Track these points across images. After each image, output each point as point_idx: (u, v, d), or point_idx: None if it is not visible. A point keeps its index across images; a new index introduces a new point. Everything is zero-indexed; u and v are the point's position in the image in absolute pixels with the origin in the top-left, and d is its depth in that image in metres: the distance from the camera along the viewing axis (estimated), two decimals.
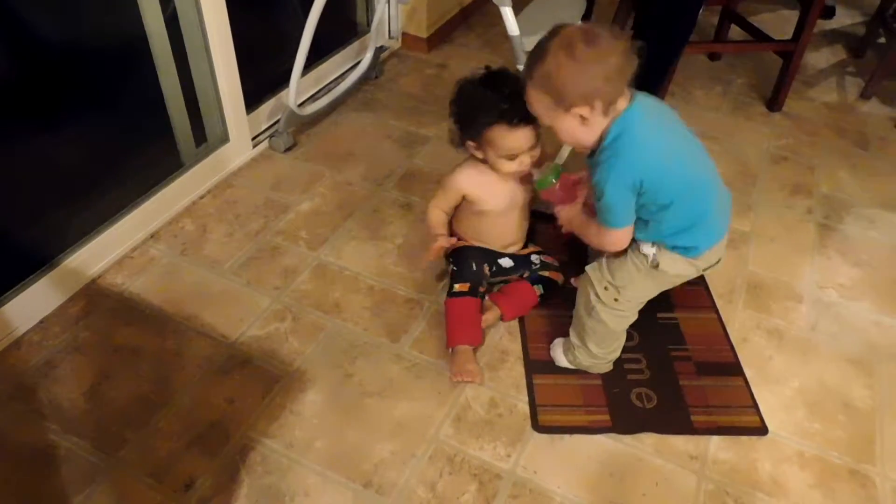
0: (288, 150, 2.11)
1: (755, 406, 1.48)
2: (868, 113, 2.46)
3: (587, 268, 1.39)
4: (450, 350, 1.52)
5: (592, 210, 1.30)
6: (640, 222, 1.26)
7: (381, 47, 2.51)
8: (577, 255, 1.78)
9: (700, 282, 1.73)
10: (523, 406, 1.46)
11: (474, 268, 1.56)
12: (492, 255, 1.62)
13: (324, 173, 2.04)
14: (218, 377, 1.49)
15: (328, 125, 2.24)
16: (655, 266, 1.29)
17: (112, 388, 1.46)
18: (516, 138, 1.41)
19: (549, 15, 1.73)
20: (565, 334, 1.56)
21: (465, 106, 1.45)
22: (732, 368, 1.55)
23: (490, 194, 1.54)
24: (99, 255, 1.70)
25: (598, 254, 1.38)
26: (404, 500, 1.30)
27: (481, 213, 1.57)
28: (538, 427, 1.41)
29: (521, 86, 1.40)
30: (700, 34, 2.71)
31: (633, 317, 1.41)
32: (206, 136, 1.98)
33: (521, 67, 1.64)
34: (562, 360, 1.52)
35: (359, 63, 2.41)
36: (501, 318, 1.61)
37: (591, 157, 1.23)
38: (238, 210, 1.90)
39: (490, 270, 1.61)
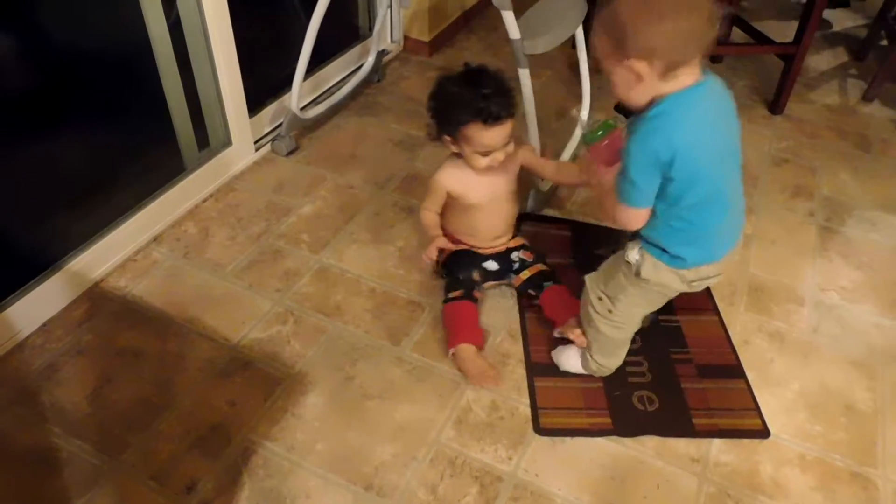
0: (290, 153, 2.11)
1: (757, 409, 1.48)
2: (870, 115, 2.46)
3: (586, 277, 1.38)
4: (451, 353, 1.52)
5: None
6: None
7: (383, 51, 2.52)
8: (582, 256, 1.79)
9: None
10: (524, 409, 1.46)
11: (461, 276, 1.60)
12: (477, 260, 1.63)
13: (326, 176, 2.04)
14: (219, 380, 1.49)
15: (330, 129, 2.24)
16: (637, 274, 1.25)
17: (114, 391, 1.46)
18: (490, 136, 1.44)
19: (551, 19, 1.73)
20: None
21: (442, 102, 1.47)
22: (734, 371, 1.55)
23: (471, 188, 1.56)
24: (102, 258, 1.71)
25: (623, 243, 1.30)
26: (405, 502, 1.30)
27: (467, 207, 1.59)
28: (539, 430, 1.42)
29: (499, 83, 1.42)
30: None
31: (633, 328, 1.39)
32: (208, 139, 1.98)
33: (522, 71, 1.65)
34: (569, 365, 1.50)
35: (361, 67, 2.41)
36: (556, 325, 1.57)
37: (630, 123, 1.14)
38: (240, 213, 1.90)
39: (480, 276, 1.63)
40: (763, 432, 1.44)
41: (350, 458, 1.37)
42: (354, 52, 2.49)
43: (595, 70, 2.52)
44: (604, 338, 1.39)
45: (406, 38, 2.62)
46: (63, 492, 1.30)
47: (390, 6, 2.45)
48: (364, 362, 1.54)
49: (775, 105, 2.40)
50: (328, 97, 2.28)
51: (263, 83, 2.15)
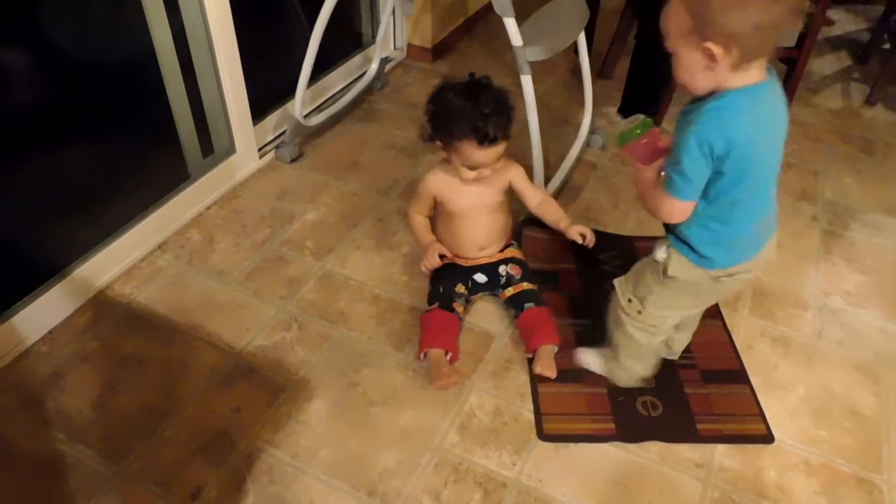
0: (294, 160, 2.12)
1: (761, 414, 1.47)
2: (873, 119, 2.45)
3: (615, 281, 1.37)
4: (421, 357, 1.52)
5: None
6: None
7: (386, 58, 2.53)
8: (584, 261, 1.79)
9: None
10: (528, 414, 1.46)
11: (442, 290, 1.60)
12: (466, 273, 1.64)
13: (329, 183, 2.05)
14: (224, 386, 1.50)
15: (334, 135, 2.25)
16: (664, 272, 1.24)
17: (119, 397, 1.47)
18: (482, 155, 1.45)
19: (552, 25, 1.74)
20: (569, 341, 1.58)
21: (441, 111, 1.47)
22: (738, 376, 1.55)
23: (456, 195, 1.57)
24: (107, 265, 1.72)
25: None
26: None
27: (450, 214, 1.60)
28: (543, 435, 1.42)
29: (500, 102, 1.42)
30: None
31: (664, 333, 1.38)
32: (213, 147, 2.00)
33: (524, 78, 1.66)
34: (594, 365, 1.50)
35: (364, 74, 2.43)
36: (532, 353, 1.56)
37: (686, 112, 1.09)
38: (244, 220, 1.91)
39: (466, 288, 1.63)
40: (767, 437, 1.43)
41: (354, 464, 1.37)
42: (357, 59, 2.50)
43: (597, 76, 2.54)
44: (634, 343, 1.38)
45: (409, 44, 2.64)
46: (68, 498, 1.30)
47: (393, 13, 2.47)
48: (368, 369, 1.54)
49: None
50: (331, 104, 2.30)
51: (267, 91, 2.16)
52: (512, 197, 1.65)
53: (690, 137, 1.04)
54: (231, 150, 1.99)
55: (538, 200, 1.66)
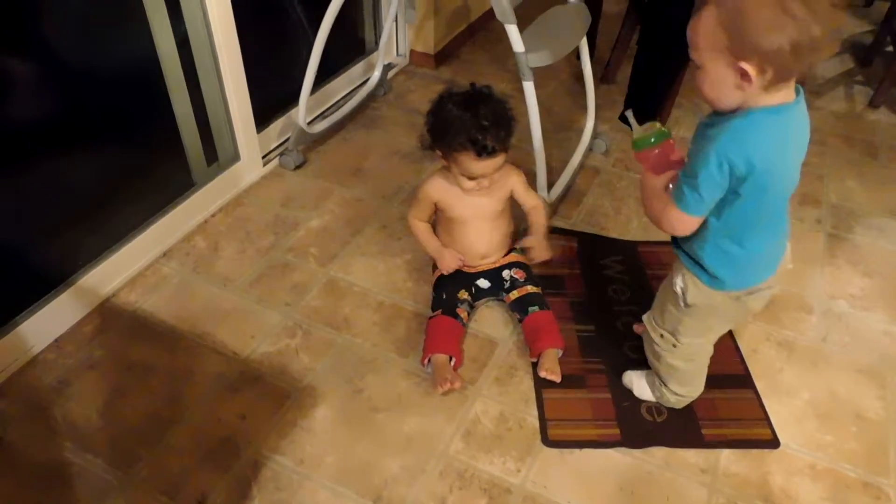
0: (298, 167, 2.13)
1: (766, 418, 1.47)
2: (876, 121, 2.45)
3: (644, 318, 1.37)
4: (425, 364, 1.52)
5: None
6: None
7: (389, 64, 2.54)
8: (589, 266, 1.79)
9: None
10: (532, 420, 1.46)
11: (445, 297, 1.61)
12: (469, 279, 1.65)
13: (333, 190, 2.06)
14: (229, 394, 1.50)
15: (337, 142, 2.26)
16: (685, 302, 1.23)
17: (125, 405, 1.47)
18: (480, 167, 1.45)
19: (554, 31, 1.75)
20: (572, 346, 1.57)
21: (440, 122, 1.47)
22: (743, 380, 1.55)
23: (456, 201, 1.58)
24: (112, 273, 1.73)
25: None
26: None
27: (451, 220, 1.61)
28: (548, 441, 1.42)
29: (499, 114, 1.41)
30: None
31: (706, 355, 1.37)
32: (217, 155, 2.00)
33: (526, 84, 1.66)
34: (646, 394, 1.48)
35: (367, 80, 2.44)
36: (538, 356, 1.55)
37: (707, 125, 1.06)
38: (249, 227, 1.92)
39: (470, 294, 1.63)
40: (773, 442, 1.43)
41: (359, 471, 1.37)
42: (360, 66, 2.51)
43: (600, 81, 2.54)
44: (678, 371, 1.37)
45: (412, 51, 2.65)
46: None
47: (395, 20, 2.47)
48: (372, 375, 1.54)
49: None
50: (335, 111, 2.31)
51: (271, 98, 2.17)
52: (514, 203, 1.66)
53: (711, 153, 1.01)
54: (235, 157, 2.00)
55: (531, 206, 1.65)
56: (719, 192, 1.05)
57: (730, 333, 1.64)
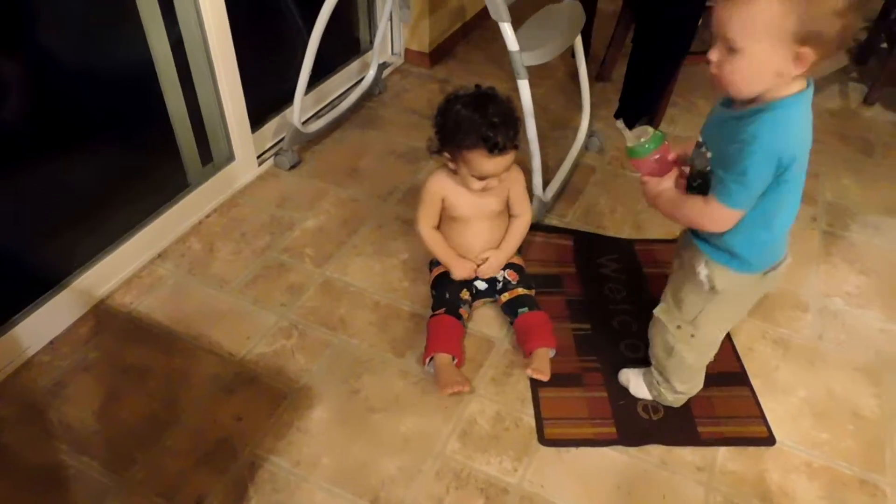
0: (293, 167, 2.13)
1: (762, 416, 1.47)
2: (872, 119, 2.46)
3: (656, 311, 1.35)
4: (426, 363, 1.52)
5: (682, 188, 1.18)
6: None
7: (384, 63, 2.53)
8: (584, 265, 1.79)
9: None
10: (529, 420, 1.46)
11: (447, 296, 1.61)
12: (468, 280, 1.64)
13: (328, 190, 2.05)
14: (225, 395, 1.50)
15: (332, 142, 2.26)
16: (712, 288, 1.21)
17: (121, 407, 1.47)
18: (492, 165, 1.45)
19: (549, 30, 1.74)
20: (568, 345, 1.57)
21: (450, 122, 1.47)
22: (738, 378, 1.55)
23: (461, 199, 1.57)
24: (107, 275, 1.72)
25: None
26: None
27: (452, 219, 1.61)
28: (544, 440, 1.42)
29: (507, 113, 1.42)
30: (702, 44, 2.71)
31: (716, 349, 1.36)
32: (212, 155, 2.00)
33: (521, 82, 1.66)
34: (642, 392, 1.48)
35: (362, 80, 2.43)
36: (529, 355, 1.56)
37: (738, 117, 1.04)
38: (244, 228, 1.92)
39: (470, 294, 1.63)
40: (768, 440, 1.43)
41: (356, 471, 1.37)
42: (355, 65, 2.51)
43: (595, 79, 2.54)
44: (687, 367, 1.36)
45: (407, 50, 2.64)
46: None
47: (390, 19, 2.47)
48: (369, 375, 1.54)
49: None
50: (330, 111, 2.30)
51: (266, 98, 2.17)
52: None
53: (757, 148, 1.00)
54: (230, 157, 2.00)
55: (518, 214, 1.64)
56: (767, 183, 1.05)
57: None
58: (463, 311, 1.61)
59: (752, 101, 1.03)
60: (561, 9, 1.86)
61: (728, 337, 1.63)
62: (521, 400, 1.50)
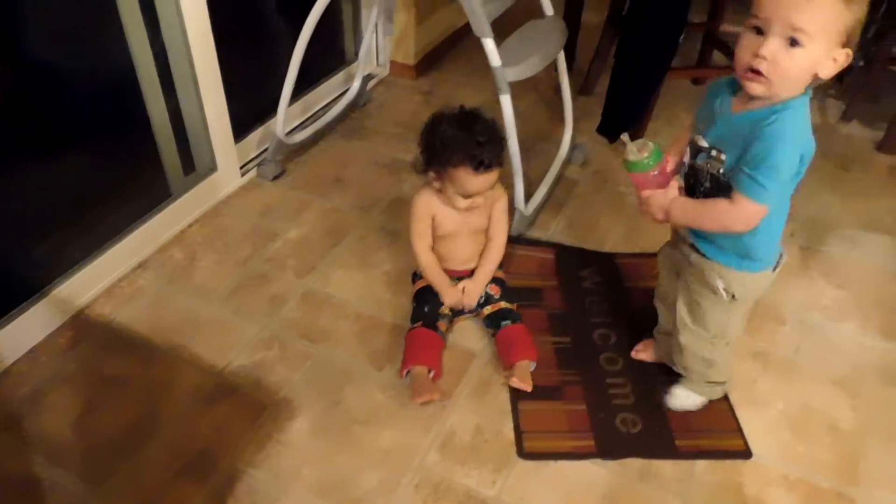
0: (276, 178, 2.13)
1: (739, 429, 1.49)
2: (849, 135, 2.49)
3: (682, 342, 1.38)
4: (403, 375, 1.52)
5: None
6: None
7: (369, 75, 2.54)
8: (567, 278, 1.80)
9: None
10: (508, 432, 1.46)
11: (427, 310, 1.61)
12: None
13: (312, 201, 2.05)
14: (205, 406, 1.49)
15: (317, 152, 2.26)
16: (732, 297, 1.25)
17: (100, 418, 1.46)
18: (478, 182, 1.46)
19: (531, 45, 1.76)
20: (549, 358, 1.59)
21: (436, 141, 1.48)
22: None
23: (446, 218, 1.58)
24: (88, 284, 1.71)
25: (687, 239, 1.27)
26: None
27: (438, 236, 1.62)
28: (523, 453, 1.42)
29: (492, 131, 1.44)
30: (684, 59, 2.75)
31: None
32: (194, 165, 2.00)
33: (503, 97, 1.67)
34: (697, 401, 1.50)
35: (347, 91, 2.44)
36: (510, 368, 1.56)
37: (760, 117, 1.07)
38: (227, 238, 1.91)
39: (451, 309, 1.64)
40: (745, 453, 1.45)
41: (336, 483, 1.37)
42: (340, 76, 2.51)
43: (579, 92, 2.57)
44: (726, 362, 1.42)
45: (392, 61, 2.65)
46: None
47: (376, 31, 2.48)
48: (350, 387, 1.54)
49: None
50: (314, 121, 2.30)
51: (250, 108, 2.17)
52: None
53: (788, 144, 1.05)
54: (213, 167, 1.99)
55: (495, 234, 1.64)
56: (793, 179, 1.10)
57: None
58: (441, 324, 1.61)
59: (759, 101, 1.07)
60: (544, 24, 1.88)
61: None
62: (501, 412, 1.50)
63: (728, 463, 1.44)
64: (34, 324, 1.60)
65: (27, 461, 1.38)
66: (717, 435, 1.48)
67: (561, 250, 1.90)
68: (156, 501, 1.32)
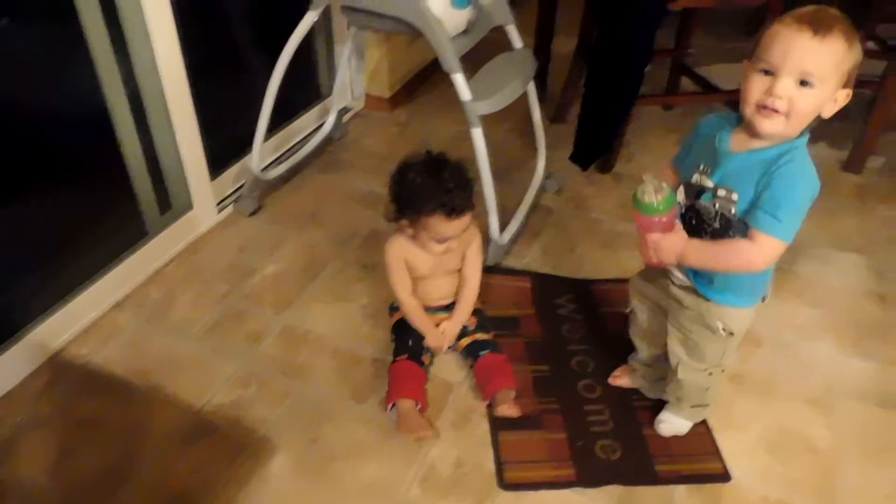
0: (253, 213, 2.13)
1: (717, 452, 1.50)
2: (816, 156, 2.48)
3: (680, 376, 1.40)
4: (389, 408, 1.52)
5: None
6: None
7: (344, 108, 2.57)
8: (543, 306, 1.82)
9: None
10: (489, 463, 1.46)
11: (410, 343, 1.62)
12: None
13: (289, 235, 2.06)
14: (183, 447, 1.48)
15: (293, 187, 2.27)
16: (731, 334, 1.29)
17: (75, 463, 1.44)
18: (451, 227, 1.48)
19: (501, 79, 1.79)
20: (527, 387, 1.60)
21: (406, 190, 1.49)
22: None
23: (420, 262, 1.59)
24: (64, 326, 1.70)
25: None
26: None
27: (413, 278, 1.62)
28: (504, 484, 1.42)
29: (460, 176, 1.46)
30: (654, 86, 2.80)
31: None
32: (170, 203, 2.00)
33: (474, 131, 1.70)
34: (687, 427, 1.52)
35: (322, 125, 2.46)
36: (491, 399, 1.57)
37: (775, 159, 1.10)
38: (204, 276, 1.91)
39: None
40: (724, 476, 1.46)
41: None
42: (316, 110, 2.54)
43: (552, 120, 2.61)
44: (717, 384, 1.45)
45: (367, 94, 2.68)
46: None
47: (350, 65, 2.51)
48: (329, 423, 1.54)
49: None
50: (290, 156, 2.32)
51: (226, 144, 2.18)
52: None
53: (806, 181, 1.10)
54: (189, 205, 2.00)
55: (469, 276, 1.65)
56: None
57: None
58: (425, 357, 1.62)
59: (763, 140, 1.11)
60: (513, 57, 1.92)
61: None
62: (482, 444, 1.50)
63: (708, 487, 1.44)
64: (9, 368, 1.59)
65: None
66: (697, 459, 1.48)
67: (537, 279, 1.92)
68: None
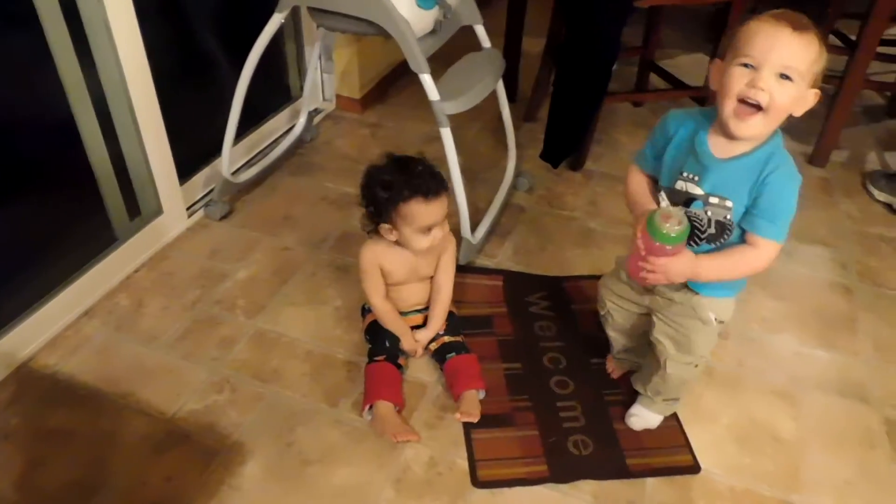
0: (223, 217, 2.12)
1: (687, 445, 1.52)
2: None
3: (670, 371, 1.41)
4: (366, 410, 1.52)
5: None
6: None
7: (315, 110, 2.56)
8: (515, 304, 1.83)
9: None
10: (462, 463, 1.47)
11: (388, 345, 1.62)
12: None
13: (260, 239, 2.05)
14: (155, 455, 1.47)
15: (264, 190, 2.26)
16: (721, 322, 1.34)
17: (44, 475, 1.43)
18: (431, 211, 1.48)
19: (469, 78, 1.80)
20: (500, 385, 1.61)
21: (377, 188, 1.49)
22: None
23: (395, 266, 1.59)
24: (30, 336, 1.68)
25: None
26: None
27: (388, 284, 1.63)
28: (477, 483, 1.43)
29: (427, 166, 1.48)
30: (622, 83, 2.83)
31: None
32: (139, 209, 1.98)
33: (443, 131, 1.71)
34: (658, 420, 1.55)
35: (293, 127, 2.45)
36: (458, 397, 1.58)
37: (761, 163, 1.14)
38: (174, 282, 1.90)
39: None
40: (694, 468, 1.48)
41: None
42: (286, 112, 2.52)
43: (523, 119, 2.62)
44: (694, 378, 1.50)
45: (337, 96, 2.67)
46: None
47: (320, 66, 2.51)
48: (302, 427, 1.54)
49: None
50: (261, 159, 2.31)
51: (195, 148, 2.16)
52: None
53: (795, 184, 1.16)
54: (158, 211, 1.98)
55: (442, 283, 1.65)
56: None
57: None
58: (402, 359, 1.63)
59: (744, 143, 1.14)
60: (481, 56, 1.92)
61: None
62: (455, 443, 1.51)
63: (678, 479, 1.47)
64: None
65: None
66: (667, 452, 1.51)
67: (509, 277, 1.93)
68: None
